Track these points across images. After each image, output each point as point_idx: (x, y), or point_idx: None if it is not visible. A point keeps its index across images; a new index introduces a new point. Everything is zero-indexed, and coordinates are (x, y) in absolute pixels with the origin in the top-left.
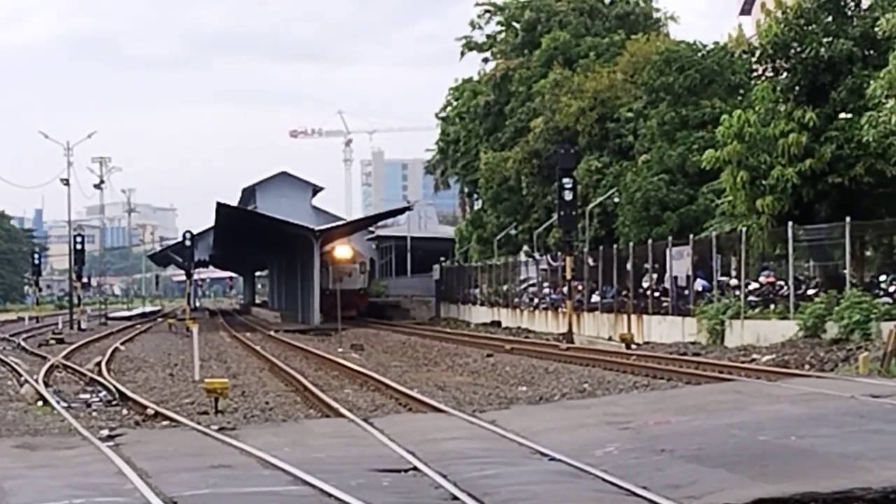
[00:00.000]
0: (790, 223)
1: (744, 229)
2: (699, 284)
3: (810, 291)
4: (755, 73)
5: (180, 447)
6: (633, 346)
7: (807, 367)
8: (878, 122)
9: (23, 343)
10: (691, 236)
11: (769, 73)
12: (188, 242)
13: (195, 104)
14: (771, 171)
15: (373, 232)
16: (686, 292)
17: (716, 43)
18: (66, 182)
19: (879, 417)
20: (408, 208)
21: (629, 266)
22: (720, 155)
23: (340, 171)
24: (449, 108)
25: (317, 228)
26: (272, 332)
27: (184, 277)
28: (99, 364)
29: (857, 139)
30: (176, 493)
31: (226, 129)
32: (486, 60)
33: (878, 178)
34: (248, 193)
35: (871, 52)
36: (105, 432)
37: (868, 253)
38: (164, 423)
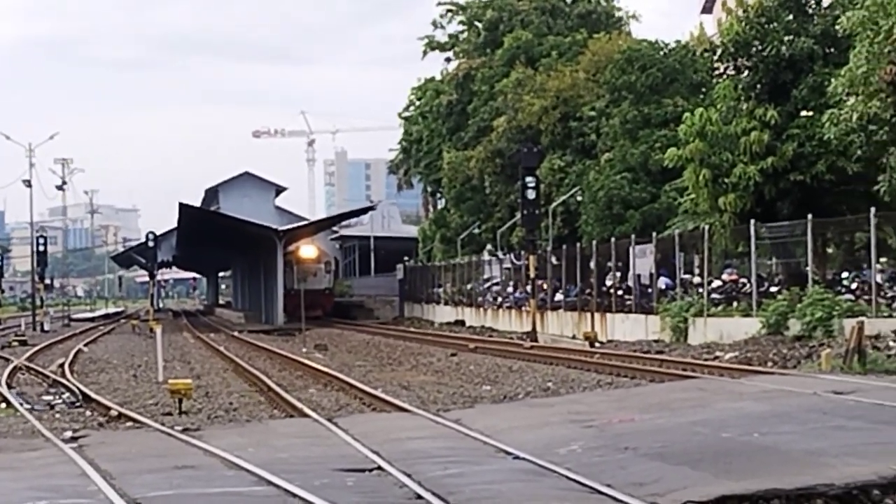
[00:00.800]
0: (752, 221)
1: (706, 227)
2: (662, 282)
3: (773, 289)
4: (717, 72)
5: (144, 448)
6: (597, 345)
7: (770, 364)
8: (839, 120)
9: None
10: (654, 234)
11: (731, 72)
12: (151, 243)
13: (158, 105)
14: (733, 169)
15: (336, 232)
16: (649, 290)
17: (677, 41)
18: (29, 184)
19: (842, 414)
20: (371, 208)
21: (592, 264)
22: (682, 153)
23: (303, 171)
24: (412, 108)
25: (280, 228)
26: (236, 333)
27: (147, 278)
28: (62, 366)
29: (819, 137)
30: (140, 494)
31: (189, 129)
32: (448, 60)
33: (840, 175)
34: (211, 194)
35: (832, 49)
36: (68, 434)
37: (830, 250)
38: (128, 424)
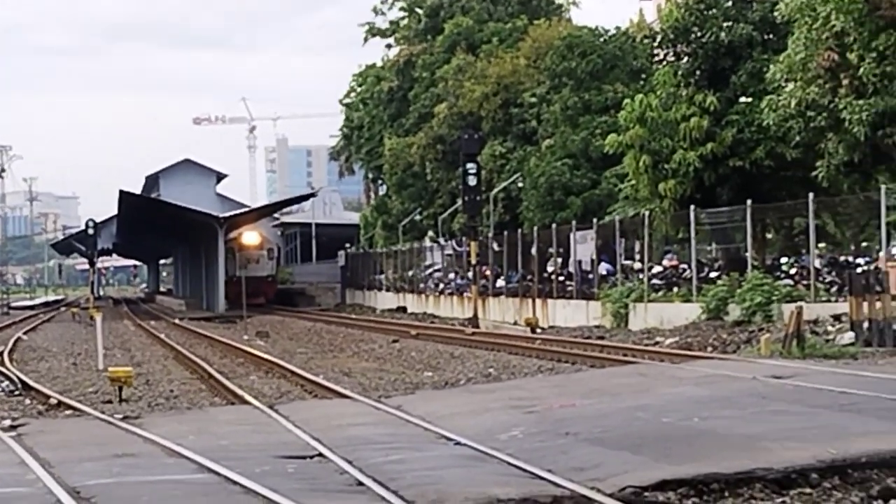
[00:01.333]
0: (692, 207)
1: (647, 213)
2: (603, 268)
3: (713, 274)
4: (657, 58)
5: (84, 436)
6: (538, 331)
7: (709, 349)
8: (778, 106)
9: None
10: (595, 220)
11: (670, 58)
12: (91, 231)
13: (98, 92)
14: (673, 155)
15: (277, 219)
16: (590, 276)
17: (617, 28)
18: None
19: (781, 398)
20: (312, 195)
21: (534, 250)
22: (623, 139)
23: (245, 158)
24: (353, 95)
25: (221, 216)
26: (177, 321)
27: (87, 266)
28: (1, 354)
29: (758, 123)
30: (79, 482)
31: (129, 117)
32: (389, 46)
33: (779, 161)
34: (152, 181)
35: (771, 36)
36: (7, 422)
37: (769, 235)
38: (68, 412)
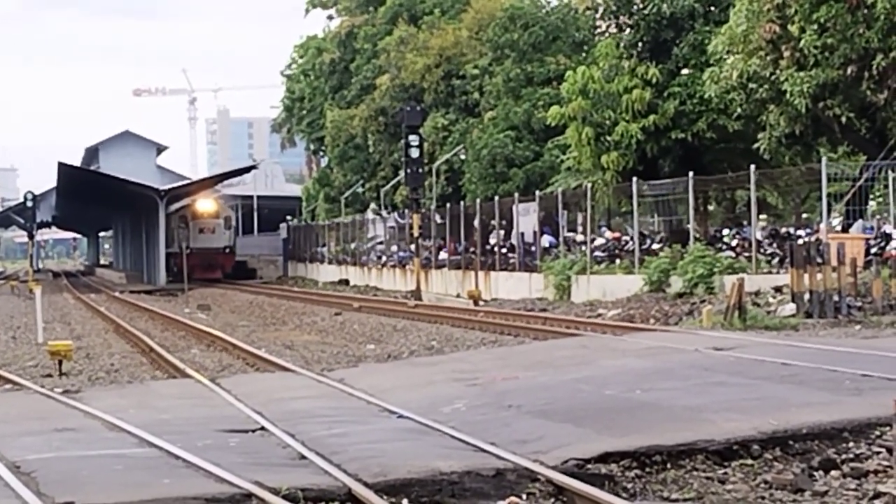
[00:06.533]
0: (635, 178)
1: (589, 185)
2: (546, 240)
3: (655, 246)
4: (599, 30)
5: (23, 410)
6: (481, 303)
7: (652, 321)
8: (720, 78)
9: None
10: (537, 192)
11: (613, 30)
12: (30, 203)
13: (35, 62)
14: (615, 127)
15: (218, 191)
16: (533, 248)
17: None
18: None
19: (723, 370)
20: (254, 167)
21: (476, 223)
22: (565, 111)
23: (185, 130)
24: (294, 66)
25: (162, 188)
26: (117, 294)
27: (26, 239)
28: None
29: (700, 95)
30: (19, 457)
31: (68, 88)
32: (330, 17)
33: (720, 133)
34: (91, 153)
35: (713, 8)
36: None
37: (711, 207)
38: (7, 386)
